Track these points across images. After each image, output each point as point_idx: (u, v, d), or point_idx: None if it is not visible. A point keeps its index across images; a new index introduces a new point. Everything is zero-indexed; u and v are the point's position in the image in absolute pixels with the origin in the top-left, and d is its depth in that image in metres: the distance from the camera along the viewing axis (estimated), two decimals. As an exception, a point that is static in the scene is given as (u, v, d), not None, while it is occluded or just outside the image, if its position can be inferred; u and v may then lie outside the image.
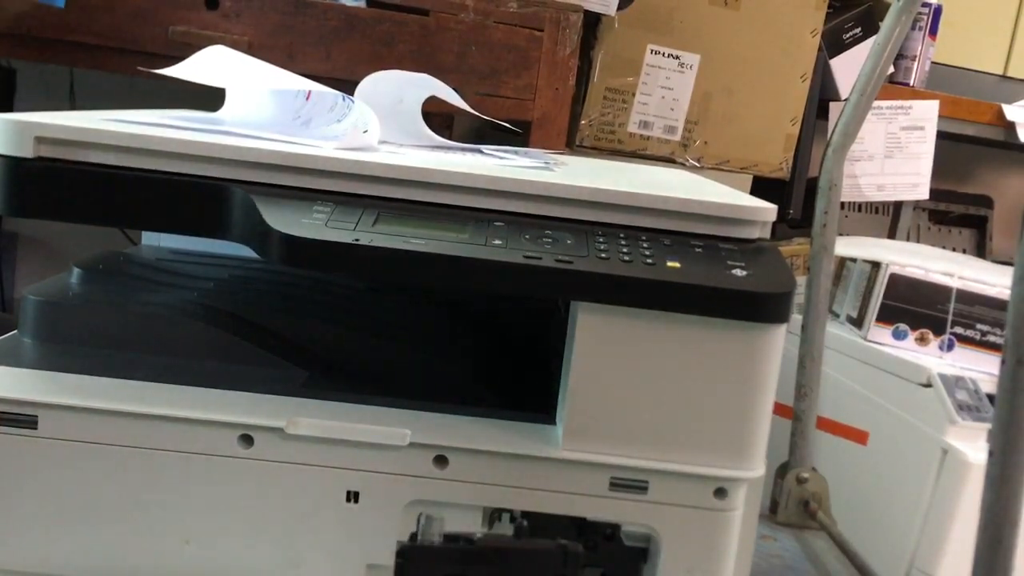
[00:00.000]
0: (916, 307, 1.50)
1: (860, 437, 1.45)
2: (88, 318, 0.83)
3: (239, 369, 0.77)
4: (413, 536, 0.56)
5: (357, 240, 0.66)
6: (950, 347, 1.48)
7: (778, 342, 0.69)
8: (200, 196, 0.70)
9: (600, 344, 0.68)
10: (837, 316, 1.59)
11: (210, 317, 0.83)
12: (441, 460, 0.69)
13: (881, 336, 1.49)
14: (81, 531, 0.71)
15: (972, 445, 1.28)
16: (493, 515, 0.72)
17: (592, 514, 0.70)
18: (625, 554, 0.74)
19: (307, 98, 0.90)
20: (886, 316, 1.49)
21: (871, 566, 1.09)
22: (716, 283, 0.67)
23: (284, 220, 0.67)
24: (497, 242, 0.67)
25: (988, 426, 1.29)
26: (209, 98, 0.96)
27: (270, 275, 0.93)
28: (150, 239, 1.07)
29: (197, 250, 1.04)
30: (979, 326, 1.48)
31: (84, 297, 0.89)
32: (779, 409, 0.72)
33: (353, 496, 0.70)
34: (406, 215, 0.69)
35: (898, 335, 1.49)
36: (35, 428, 0.70)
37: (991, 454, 0.77)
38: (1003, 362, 0.78)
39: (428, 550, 0.54)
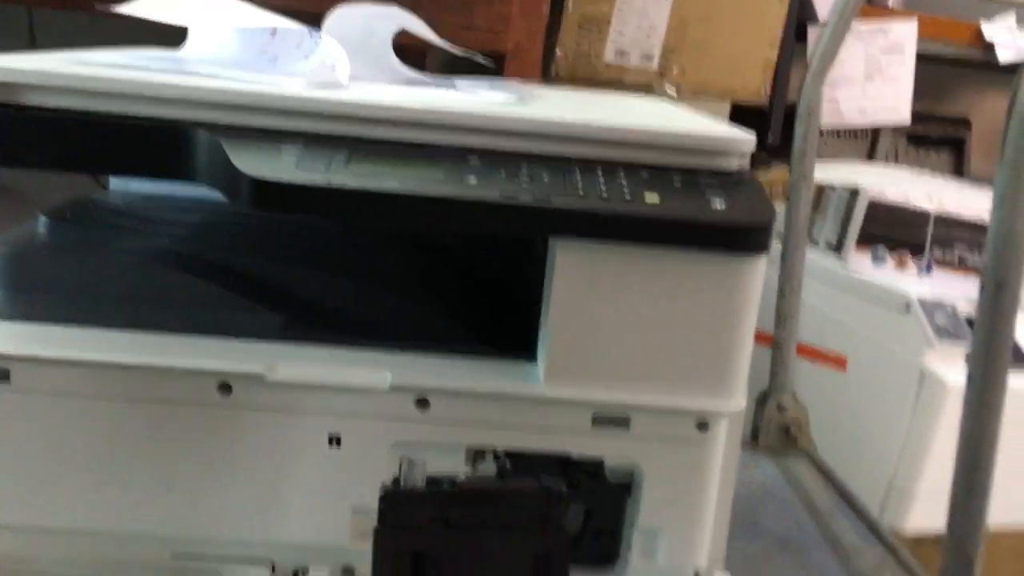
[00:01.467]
0: (895, 232, 1.50)
1: (839, 363, 1.47)
2: (58, 268, 0.82)
3: (215, 316, 0.76)
4: (396, 481, 0.55)
5: (329, 182, 0.64)
6: (928, 271, 1.49)
7: (759, 274, 0.68)
8: (163, 139, 0.68)
9: (579, 281, 0.67)
10: (816, 243, 1.59)
11: (183, 263, 0.82)
12: (423, 402, 0.69)
13: (860, 262, 1.49)
14: (60, 483, 0.70)
15: (950, 368, 1.30)
16: (476, 455, 0.72)
17: (575, 451, 0.70)
18: (608, 491, 0.74)
19: (272, 35, 0.87)
20: (865, 242, 1.49)
21: (851, 489, 1.11)
22: (695, 216, 0.66)
23: (252, 163, 0.65)
24: (472, 180, 0.66)
25: (966, 349, 1.31)
26: (173, 34, 0.93)
27: (243, 219, 0.91)
28: (118, 183, 1.05)
29: (168, 194, 1.02)
30: (957, 249, 1.49)
31: (53, 247, 0.87)
32: (759, 337, 0.72)
33: (335, 440, 0.70)
34: (378, 155, 0.68)
35: (877, 261, 1.49)
36: (7, 382, 0.69)
37: (970, 379, 0.78)
38: (982, 288, 0.78)
39: (411, 495, 0.54)
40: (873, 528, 1.03)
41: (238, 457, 0.70)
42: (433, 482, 0.55)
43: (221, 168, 0.66)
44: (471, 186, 0.66)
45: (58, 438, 0.70)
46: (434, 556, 0.55)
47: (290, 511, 0.71)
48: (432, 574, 0.55)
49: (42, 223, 0.89)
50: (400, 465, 0.55)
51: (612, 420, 0.70)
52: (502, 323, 0.78)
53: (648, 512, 0.71)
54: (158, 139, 0.68)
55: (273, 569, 0.73)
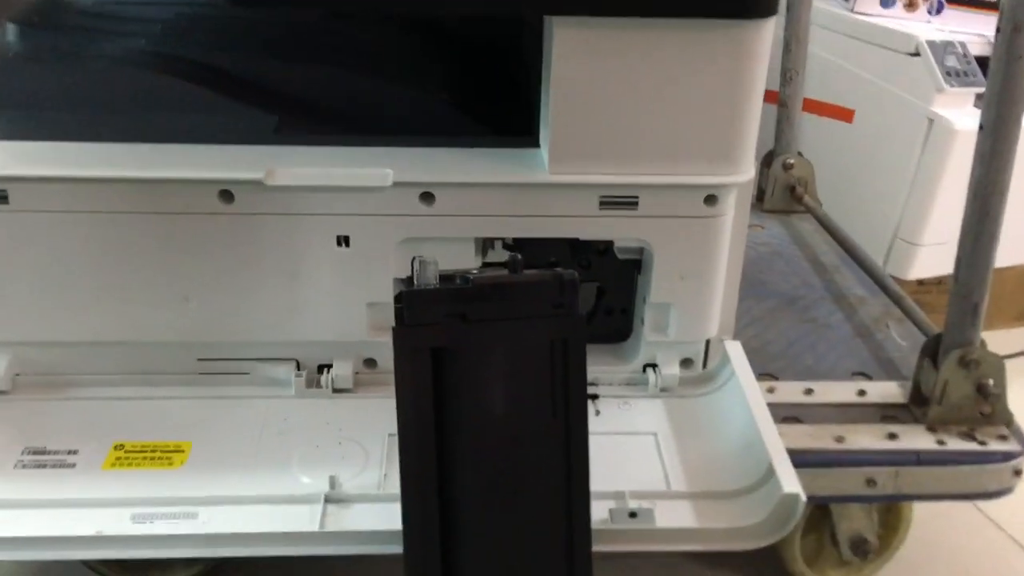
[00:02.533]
0: (905, -30, 1.42)
1: (846, 115, 1.43)
2: (39, 79, 0.78)
3: (205, 120, 0.73)
4: (409, 280, 0.56)
5: (306, -31, 0.60)
6: (939, 10, 1.42)
7: (766, 38, 0.65)
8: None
9: (580, 60, 0.64)
10: (823, -12, 1.51)
11: (165, 66, 0.78)
12: (427, 197, 0.68)
13: (868, 6, 1.42)
14: (75, 300, 0.71)
15: (959, 112, 1.27)
16: (486, 244, 0.72)
17: (584, 235, 0.70)
18: (619, 266, 0.75)
19: None
20: (874, -16, 1.41)
21: (856, 243, 1.12)
22: (699, -21, 0.62)
23: (222, -46, 0.61)
24: (459, -43, 0.62)
25: (976, 91, 1.27)
26: None
27: (219, 10, 0.87)
28: (82, -21, 0.98)
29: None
30: (971, -17, 1.41)
31: (27, 56, 0.83)
32: (764, 95, 0.69)
33: (344, 240, 0.70)
34: (356, -65, 0.63)
35: (886, 3, 1.42)
36: (6, 203, 0.68)
37: (981, 128, 0.76)
38: (998, 31, 0.74)
39: (426, 294, 0.54)
40: (877, 279, 1.05)
41: (251, 263, 0.71)
42: (446, 278, 0.55)
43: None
44: (458, -37, 0.61)
45: (66, 256, 0.70)
46: (453, 349, 0.56)
47: (309, 311, 0.72)
48: (452, 366, 0.56)
49: (11, 31, 0.84)
50: (412, 264, 0.54)
51: (620, 201, 0.69)
52: (503, 111, 0.75)
53: (659, 288, 0.72)
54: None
55: (299, 366, 0.75)
